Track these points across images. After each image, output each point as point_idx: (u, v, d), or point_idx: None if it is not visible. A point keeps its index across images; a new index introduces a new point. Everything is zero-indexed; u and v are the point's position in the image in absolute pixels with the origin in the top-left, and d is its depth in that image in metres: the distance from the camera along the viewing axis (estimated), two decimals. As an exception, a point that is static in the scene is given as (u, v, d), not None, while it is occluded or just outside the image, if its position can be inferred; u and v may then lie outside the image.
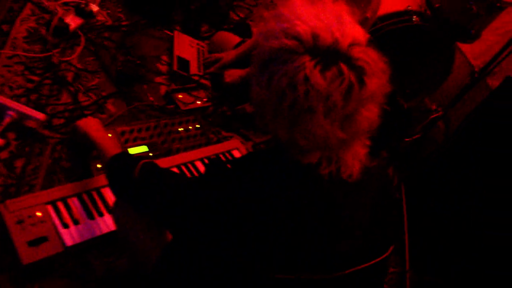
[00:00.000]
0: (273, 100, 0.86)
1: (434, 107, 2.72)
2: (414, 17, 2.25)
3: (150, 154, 1.72)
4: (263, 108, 0.89)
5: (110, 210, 1.44)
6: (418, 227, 2.12)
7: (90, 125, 1.45)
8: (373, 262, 1.00)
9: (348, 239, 0.95)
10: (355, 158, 0.93)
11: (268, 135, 2.23)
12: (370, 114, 0.86)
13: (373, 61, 0.83)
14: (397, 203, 2.14)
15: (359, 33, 0.86)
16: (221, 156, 1.89)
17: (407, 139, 2.47)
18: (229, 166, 1.09)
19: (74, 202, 1.43)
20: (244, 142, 2.07)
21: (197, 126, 1.97)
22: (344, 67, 0.80)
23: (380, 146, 1.71)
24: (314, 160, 0.91)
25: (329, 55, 0.81)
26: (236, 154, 1.95)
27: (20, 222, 1.29)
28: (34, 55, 1.88)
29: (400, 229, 2.07)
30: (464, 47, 2.79)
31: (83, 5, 2.12)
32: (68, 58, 1.96)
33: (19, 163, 1.52)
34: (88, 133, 1.41)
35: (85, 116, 1.75)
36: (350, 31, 0.84)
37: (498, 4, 2.13)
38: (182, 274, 1.08)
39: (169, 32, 2.43)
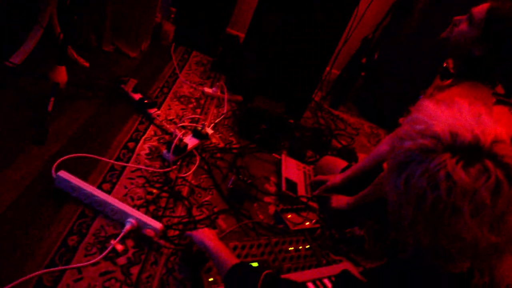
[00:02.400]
0: (412, 203, 0.80)
1: None
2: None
3: (261, 272, 1.64)
4: (401, 214, 0.83)
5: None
6: None
7: (206, 235, 1.46)
8: None
9: None
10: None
11: (380, 261, 2.09)
12: None
13: None
14: None
15: (501, 131, 0.80)
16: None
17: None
18: (361, 278, 1.00)
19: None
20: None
21: (307, 246, 1.90)
22: (489, 163, 0.73)
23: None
24: (464, 270, 0.80)
25: (471, 152, 0.76)
26: (349, 278, 1.81)
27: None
28: (154, 169, 1.98)
29: None
30: None
31: (199, 128, 2.25)
32: (184, 175, 2.04)
33: (134, 270, 1.51)
34: (204, 243, 1.39)
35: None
36: (491, 129, 0.79)
37: None
38: None
39: (276, 156, 2.50)
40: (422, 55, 3.46)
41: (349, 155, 2.55)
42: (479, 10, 1.71)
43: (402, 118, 1.35)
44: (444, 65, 3.17)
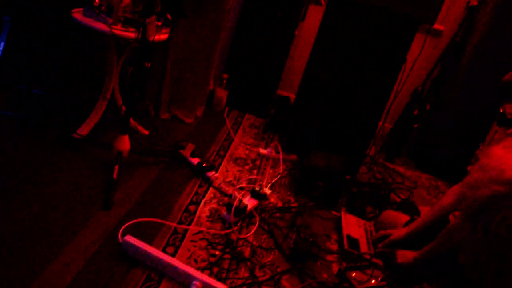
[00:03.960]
0: (493, 250, 0.77)
1: None
2: None
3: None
4: (481, 263, 0.80)
5: None
6: None
7: None
8: None
9: None
10: None
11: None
12: None
13: None
14: None
15: None
16: None
17: None
18: None
19: None
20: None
21: (375, 305, 1.81)
22: None
23: None
24: None
25: None
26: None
27: None
28: (216, 231, 2.00)
29: None
30: None
31: (257, 189, 2.27)
32: (245, 236, 2.04)
33: (202, 335, 1.49)
34: None
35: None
36: None
37: None
38: None
39: (336, 213, 2.46)
40: (476, 104, 3.40)
41: (410, 208, 2.47)
42: None
43: (471, 166, 1.32)
44: (501, 110, 3.10)
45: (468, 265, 1.85)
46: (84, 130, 2.39)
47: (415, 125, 3.67)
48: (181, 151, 2.51)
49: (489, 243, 0.76)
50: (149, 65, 2.86)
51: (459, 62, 3.50)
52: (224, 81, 3.46)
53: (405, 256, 2.12)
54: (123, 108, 2.44)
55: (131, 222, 1.87)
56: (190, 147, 2.52)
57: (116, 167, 2.12)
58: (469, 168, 0.97)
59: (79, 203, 1.90)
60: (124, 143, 2.22)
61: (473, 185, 0.83)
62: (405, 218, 2.34)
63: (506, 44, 3.21)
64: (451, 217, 2.09)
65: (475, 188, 0.82)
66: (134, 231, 1.79)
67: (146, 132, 2.72)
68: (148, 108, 3.00)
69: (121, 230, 1.81)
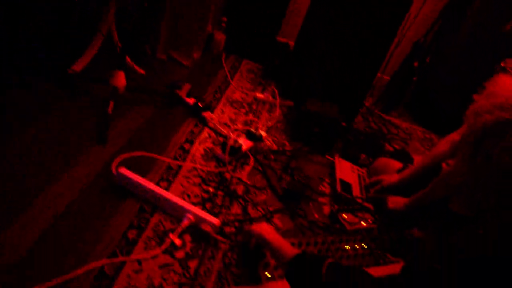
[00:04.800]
0: (495, 179, 0.76)
1: None
2: None
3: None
4: (478, 200, 0.79)
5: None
6: None
7: (265, 229, 1.45)
8: None
9: None
10: None
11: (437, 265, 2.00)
12: None
13: None
14: None
15: None
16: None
17: None
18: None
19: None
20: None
21: (364, 246, 1.85)
22: None
23: None
24: None
25: None
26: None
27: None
28: (210, 169, 2.00)
29: None
30: None
31: (253, 130, 2.26)
32: (239, 175, 2.04)
33: (192, 264, 1.52)
34: (263, 236, 1.39)
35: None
36: None
37: None
38: None
39: (330, 158, 2.47)
40: (477, 57, 3.35)
41: (404, 156, 2.48)
42: None
43: (476, 94, 1.30)
44: (502, 65, 3.06)
45: (461, 208, 1.88)
46: (79, 65, 2.34)
47: (414, 78, 3.63)
48: (177, 90, 2.48)
49: (489, 171, 0.75)
50: (146, 4, 2.79)
51: (463, 14, 3.43)
52: (223, 24, 3.38)
53: (396, 202, 2.15)
54: (119, 45, 2.38)
55: (125, 155, 1.87)
56: (187, 87, 2.49)
57: (111, 102, 2.10)
58: (474, 96, 0.95)
59: (73, 137, 1.88)
60: (120, 79, 2.19)
61: (478, 111, 0.82)
62: (398, 165, 2.35)
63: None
64: (444, 165, 2.10)
65: (480, 114, 0.81)
66: (128, 165, 1.78)
67: (143, 72, 2.67)
68: (144, 49, 2.94)
69: (115, 164, 1.80)
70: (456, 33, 3.50)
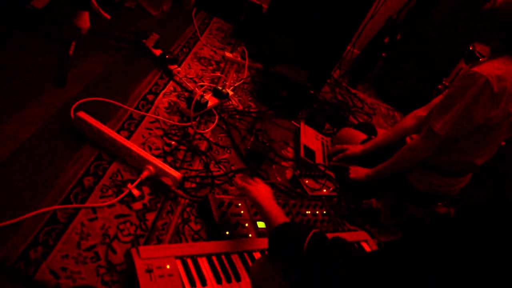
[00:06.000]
0: None
1: None
2: None
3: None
4: None
5: (239, 278, 1.33)
6: None
7: (262, 191, 1.41)
8: None
9: None
10: None
11: (393, 235, 2.05)
12: None
13: None
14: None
15: None
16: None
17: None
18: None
19: (204, 262, 1.32)
20: (370, 238, 1.89)
21: (324, 212, 1.85)
22: None
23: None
24: None
25: None
26: (365, 247, 1.78)
27: (149, 271, 1.19)
28: (173, 122, 1.93)
29: None
30: None
31: (220, 87, 2.19)
32: (202, 132, 1.99)
33: (150, 217, 1.47)
34: (258, 201, 1.36)
35: (216, 184, 1.72)
36: None
37: None
38: None
39: (295, 123, 2.44)
40: (447, 39, 3.38)
41: (368, 128, 2.49)
42: None
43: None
44: (470, 48, 3.10)
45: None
46: (39, 3, 2.18)
47: (383, 54, 3.63)
48: (144, 40, 2.36)
49: None
50: None
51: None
52: (196, -22, 3.24)
53: (358, 171, 2.15)
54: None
55: (85, 99, 1.76)
56: (154, 37, 2.37)
57: (73, 43, 1.98)
58: None
59: (30, 78, 1.75)
60: (84, 20, 2.05)
61: None
62: (362, 136, 2.35)
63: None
64: (408, 139, 2.11)
65: None
66: (88, 110, 1.67)
67: (108, 17, 2.51)
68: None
69: (73, 107, 1.70)
70: (428, 13, 3.50)
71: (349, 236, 1.77)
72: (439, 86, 3.29)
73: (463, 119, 1.69)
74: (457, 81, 1.73)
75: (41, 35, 2.02)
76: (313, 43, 2.83)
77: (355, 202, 2.07)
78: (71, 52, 1.94)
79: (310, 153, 2.20)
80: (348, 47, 3.12)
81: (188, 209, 1.58)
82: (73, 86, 1.83)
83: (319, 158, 2.20)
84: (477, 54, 2.92)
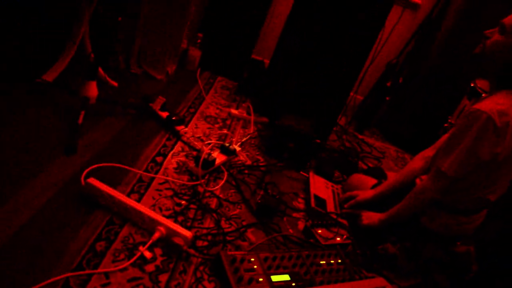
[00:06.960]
0: None
1: None
2: None
3: (293, 284, 1.59)
4: None
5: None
6: None
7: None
8: None
9: None
10: None
11: (412, 280, 2.00)
12: None
13: None
14: None
15: None
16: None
17: None
18: None
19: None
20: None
21: (339, 261, 1.82)
22: None
23: None
24: None
25: None
26: (385, 294, 1.74)
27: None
28: (182, 182, 1.96)
29: None
30: None
31: (227, 144, 2.23)
32: (212, 189, 2.01)
33: (163, 278, 1.47)
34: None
35: (228, 241, 1.73)
36: None
37: None
38: None
39: (304, 174, 2.46)
40: (447, 79, 3.43)
41: (378, 173, 2.48)
42: (511, 18, 1.71)
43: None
44: (472, 85, 3.14)
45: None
46: (50, 76, 2.28)
47: (387, 98, 3.68)
48: (150, 104, 2.44)
49: None
50: (120, 18, 2.76)
51: (434, 38, 3.52)
52: (199, 41, 3.38)
53: (370, 217, 2.13)
54: (92, 55, 2.34)
55: (95, 166, 1.81)
56: (160, 100, 2.45)
57: (82, 112, 2.05)
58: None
59: (41, 147, 1.81)
60: (92, 89, 2.14)
61: None
62: (372, 181, 2.35)
63: (478, 28, 3.23)
64: (417, 180, 2.11)
65: None
66: (98, 176, 1.71)
67: (116, 84, 2.63)
68: (118, 62, 2.90)
69: (84, 173, 1.74)
70: (428, 56, 3.57)
71: (366, 284, 1.73)
72: (445, 125, 3.30)
73: (470, 156, 1.69)
74: (460, 119, 1.75)
75: (51, 106, 2.09)
76: (315, 93, 2.89)
77: (371, 248, 2.04)
78: (80, 121, 2.00)
79: (321, 202, 2.19)
80: (351, 93, 3.18)
81: (201, 267, 1.57)
82: (83, 153, 1.88)
83: (330, 206, 2.20)
84: (479, 90, 2.95)
